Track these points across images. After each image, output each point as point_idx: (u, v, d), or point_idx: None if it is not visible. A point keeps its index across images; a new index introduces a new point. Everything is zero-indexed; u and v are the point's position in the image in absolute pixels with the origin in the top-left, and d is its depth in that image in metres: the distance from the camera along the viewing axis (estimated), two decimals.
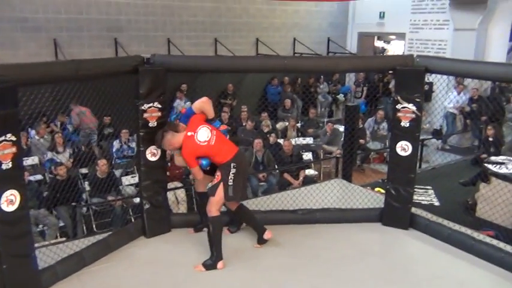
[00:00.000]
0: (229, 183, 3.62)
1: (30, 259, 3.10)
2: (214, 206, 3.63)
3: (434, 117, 9.22)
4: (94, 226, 5.90)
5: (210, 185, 3.75)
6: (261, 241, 3.97)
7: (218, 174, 3.68)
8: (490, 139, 7.32)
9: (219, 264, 3.61)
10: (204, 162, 3.68)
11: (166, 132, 3.67)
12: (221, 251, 3.64)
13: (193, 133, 3.65)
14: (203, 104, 3.78)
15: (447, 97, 9.54)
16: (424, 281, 3.52)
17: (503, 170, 5.29)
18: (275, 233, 4.02)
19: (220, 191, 3.63)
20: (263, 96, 10.84)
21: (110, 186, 6.19)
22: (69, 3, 9.54)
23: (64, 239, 5.12)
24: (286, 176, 7.12)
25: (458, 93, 9.59)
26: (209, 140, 3.64)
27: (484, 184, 5.57)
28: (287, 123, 9.35)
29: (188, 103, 8.92)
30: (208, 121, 3.77)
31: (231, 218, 4.17)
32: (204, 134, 3.65)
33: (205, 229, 4.06)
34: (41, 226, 5.63)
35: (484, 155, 6.86)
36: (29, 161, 6.97)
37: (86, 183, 6.43)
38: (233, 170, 3.64)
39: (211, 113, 3.78)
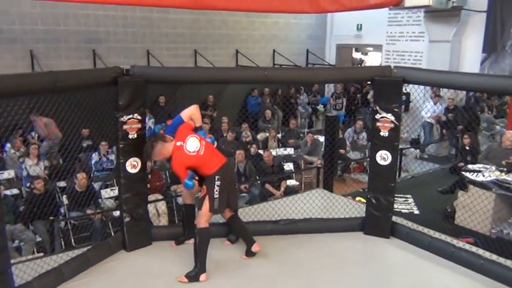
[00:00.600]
0: (215, 196, 3.62)
1: (6, 276, 3.01)
2: (203, 217, 3.62)
3: (412, 126, 9.37)
4: (73, 240, 5.77)
5: (198, 197, 3.73)
6: (249, 253, 3.95)
7: (204, 187, 3.68)
8: (467, 148, 7.47)
9: (202, 277, 3.57)
10: (189, 183, 3.64)
11: (156, 143, 3.65)
12: (205, 263, 3.60)
13: (182, 143, 3.63)
14: (193, 110, 3.82)
15: (424, 107, 9.73)
16: None
17: (480, 178, 5.39)
18: (259, 244, 4.00)
19: (206, 204, 3.62)
20: (243, 107, 10.86)
21: (89, 200, 6.07)
22: (47, 14, 9.40)
23: (41, 254, 4.99)
24: (268, 186, 7.12)
25: (435, 103, 9.78)
26: (198, 151, 3.63)
27: (462, 192, 5.67)
28: (268, 134, 9.38)
29: (152, 120, 8.85)
30: (195, 130, 3.77)
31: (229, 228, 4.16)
32: (193, 145, 3.64)
33: (187, 242, 4.03)
34: (17, 241, 5.47)
35: (461, 164, 6.99)
36: (4, 175, 6.80)
37: (64, 196, 6.29)
38: (217, 183, 3.63)
39: (199, 121, 3.83)
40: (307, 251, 4.12)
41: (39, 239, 5.67)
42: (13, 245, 5.35)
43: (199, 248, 3.60)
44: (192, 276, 3.56)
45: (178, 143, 3.64)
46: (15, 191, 6.54)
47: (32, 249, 5.45)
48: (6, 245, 3.07)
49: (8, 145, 7.34)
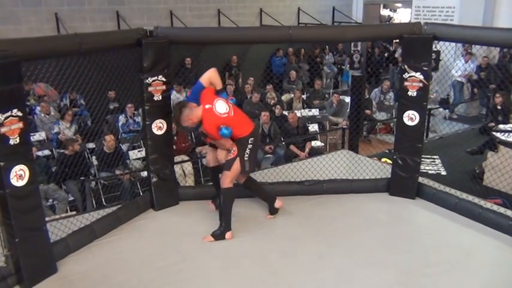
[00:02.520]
0: (245, 158, 3.65)
1: (42, 232, 3.15)
2: (228, 178, 3.65)
3: (442, 86, 9.10)
4: (103, 200, 5.96)
5: (224, 159, 3.71)
6: (273, 211, 4.01)
7: (234, 149, 3.65)
8: (498, 107, 7.24)
9: (228, 235, 3.65)
10: (225, 131, 3.55)
11: (183, 108, 3.57)
12: (230, 221, 3.68)
13: (211, 106, 3.58)
14: (212, 74, 3.75)
15: (455, 65, 9.39)
16: (431, 249, 3.55)
17: (511, 138, 5.24)
18: (283, 204, 4.05)
19: (236, 165, 3.63)
20: (268, 68, 10.73)
21: (118, 161, 6.22)
22: None
23: (74, 212, 5.19)
24: (293, 147, 7.12)
25: (466, 62, 9.44)
26: (229, 112, 3.62)
27: (492, 153, 5.54)
28: (292, 95, 9.29)
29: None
30: (217, 93, 3.72)
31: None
32: (222, 107, 3.61)
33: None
34: (51, 200, 5.69)
35: (492, 124, 6.80)
36: (36, 137, 7.00)
37: (94, 157, 6.46)
38: (250, 146, 3.65)
39: (219, 84, 3.75)
40: (332, 211, 4.15)
41: (71, 198, 5.88)
42: (47, 204, 5.57)
43: (224, 207, 3.67)
44: (218, 235, 3.65)
45: (207, 106, 3.56)
46: (46, 152, 6.74)
47: (65, 208, 5.67)
48: (40, 203, 3.19)
49: (38, 108, 7.52)
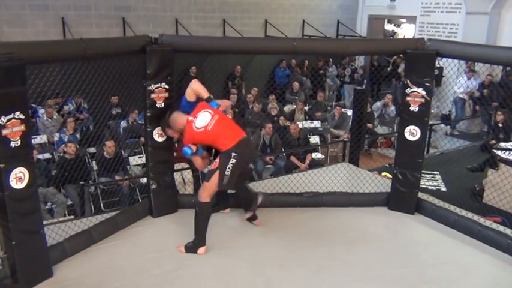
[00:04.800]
0: (226, 173, 3.48)
1: (39, 235, 3.14)
2: (206, 191, 3.55)
3: (444, 102, 9.11)
4: (102, 205, 5.95)
5: (206, 169, 3.71)
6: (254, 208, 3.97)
7: (217, 160, 3.56)
8: (500, 125, 7.24)
9: (201, 250, 3.55)
10: (187, 150, 3.57)
11: (175, 111, 3.71)
12: (204, 237, 3.57)
13: (193, 118, 3.61)
14: (194, 86, 3.72)
15: (457, 82, 9.42)
16: (429, 265, 3.53)
17: None
18: (281, 215, 4.04)
19: (215, 178, 3.51)
20: (271, 79, 10.78)
21: (118, 166, 6.22)
22: None
23: (72, 217, 5.18)
24: (293, 159, 7.12)
25: (469, 79, 9.46)
26: (206, 126, 3.53)
27: (493, 170, 5.52)
28: (294, 106, 9.31)
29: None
30: (207, 101, 3.66)
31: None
32: (202, 120, 3.56)
33: (223, 211, 4.12)
34: (49, 204, 5.69)
35: (493, 141, 6.79)
36: (37, 140, 7.01)
37: (94, 162, 6.46)
38: (233, 160, 3.47)
39: (205, 93, 3.69)
40: (331, 224, 4.13)
41: (70, 202, 5.87)
42: (46, 207, 5.56)
43: (197, 221, 3.55)
44: (189, 247, 3.56)
45: (190, 118, 3.62)
46: (47, 155, 6.75)
47: (63, 212, 5.66)
48: (39, 206, 3.19)
49: (41, 111, 7.54)
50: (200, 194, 3.58)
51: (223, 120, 3.61)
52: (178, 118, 3.68)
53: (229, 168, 3.47)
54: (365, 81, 11.06)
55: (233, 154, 3.48)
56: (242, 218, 4.04)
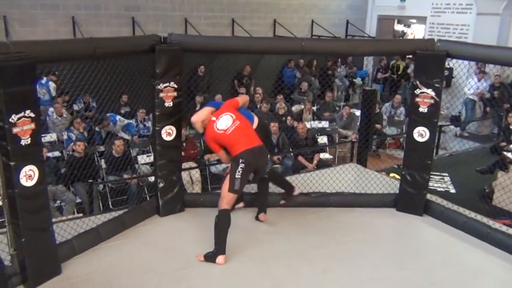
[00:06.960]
0: (236, 176, 3.51)
1: (48, 233, 3.17)
2: (223, 199, 3.56)
3: (454, 103, 9.03)
4: (110, 203, 5.99)
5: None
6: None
7: (229, 166, 3.71)
8: (511, 127, 7.16)
9: (219, 259, 3.48)
10: None
11: (206, 107, 3.87)
12: (224, 245, 3.52)
13: (215, 119, 3.71)
14: (245, 99, 4.11)
15: (467, 83, 9.34)
16: (437, 267, 3.51)
17: None
18: (289, 215, 4.04)
19: (226, 184, 3.56)
20: (279, 79, 10.76)
21: (126, 165, 6.25)
22: None
23: (81, 215, 5.21)
24: (301, 159, 7.10)
25: (479, 80, 9.37)
26: (226, 130, 3.64)
27: (502, 172, 5.48)
28: (302, 106, 9.29)
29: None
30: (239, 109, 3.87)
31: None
32: (223, 122, 3.67)
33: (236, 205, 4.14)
34: (58, 202, 5.73)
35: (504, 143, 6.73)
36: (47, 138, 7.06)
37: (102, 161, 6.50)
38: (242, 165, 3.52)
39: (246, 104, 4.12)
40: (338, 224, 4.12)
41: (79, 200, 5.91)
42: (55, 205, 5.60)
43: (217, 229, 3.52)
44: (209, 257, 3.52)
45: (213, 118, 3.73)
46: (56, 153, 6.80)
47: (72, 210, 5.70)
48: (48, 204, 3.22)
49: (51, 109, 7.59)
50: (219, 203, 3.59)
51: (242, 127, 3.70)
52: (205, 114, 3.79)
53: (239, 172, 3.54)
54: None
55: (241, 160, 3.55)
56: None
